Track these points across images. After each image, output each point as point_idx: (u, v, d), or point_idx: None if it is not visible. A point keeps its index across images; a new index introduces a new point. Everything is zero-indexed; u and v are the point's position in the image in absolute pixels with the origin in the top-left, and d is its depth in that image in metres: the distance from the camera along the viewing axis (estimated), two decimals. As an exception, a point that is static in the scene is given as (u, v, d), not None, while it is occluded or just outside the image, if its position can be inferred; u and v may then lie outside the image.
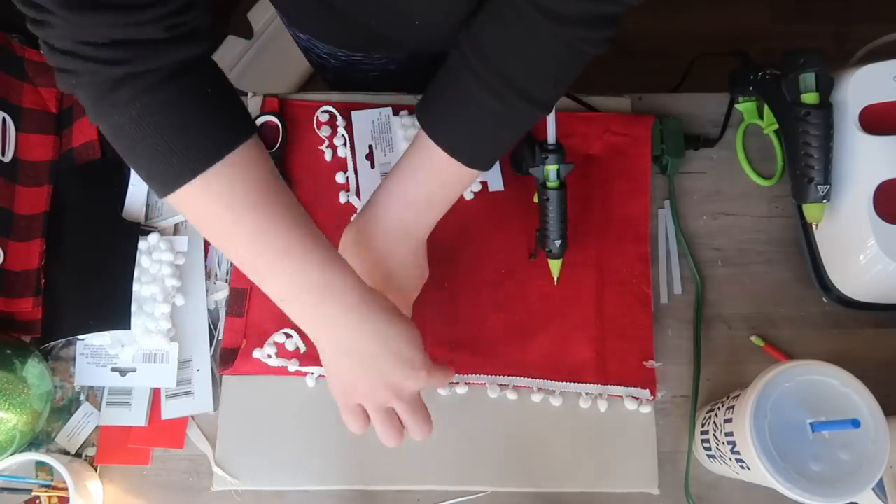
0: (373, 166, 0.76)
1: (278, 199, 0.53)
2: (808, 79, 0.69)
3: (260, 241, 0.52)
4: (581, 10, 0.53)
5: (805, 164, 0.69)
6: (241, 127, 0.52)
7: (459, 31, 0.58)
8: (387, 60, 0.81)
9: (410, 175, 0.61)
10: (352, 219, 0.65)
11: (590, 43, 0.55)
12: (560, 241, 0.69)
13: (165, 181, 0.51)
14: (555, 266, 0.72)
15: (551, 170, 0.68)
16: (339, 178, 0.75)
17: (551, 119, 0.67)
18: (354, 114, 0.77)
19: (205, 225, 0.54)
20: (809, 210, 0.71)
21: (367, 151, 0.76)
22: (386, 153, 0.76)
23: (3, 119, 0.73)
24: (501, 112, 0.57)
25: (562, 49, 0.55)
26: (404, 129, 0.76)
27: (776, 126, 0.75)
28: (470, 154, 0.59)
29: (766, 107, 0.75)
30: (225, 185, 0.51)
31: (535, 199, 0.71)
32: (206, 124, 0.50)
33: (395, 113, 0.77)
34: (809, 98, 0.69)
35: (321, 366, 0.69)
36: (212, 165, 0.50)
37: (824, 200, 0.69)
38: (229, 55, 1.49)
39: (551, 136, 0.68)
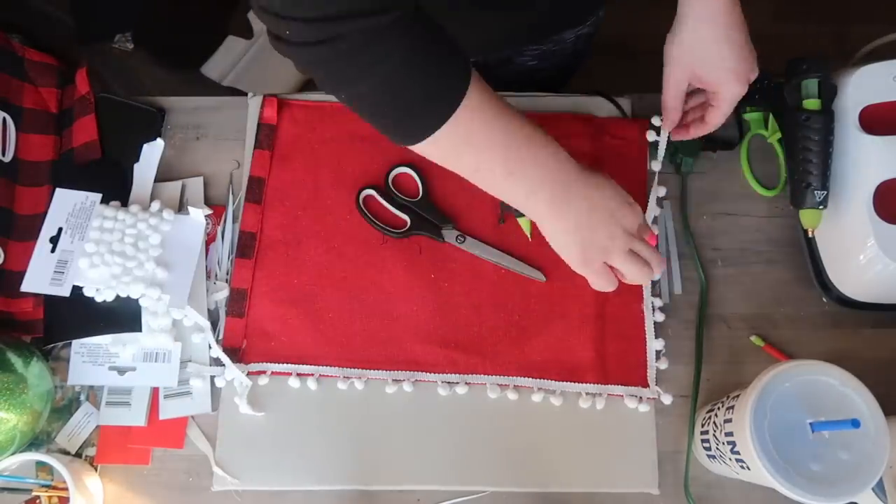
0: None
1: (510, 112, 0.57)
2: (811, 85, 0.69)
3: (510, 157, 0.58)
4: None
5: (803, 168, 0.69)
6: (465, 62, 0.54)
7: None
8: None
9: None
10: None
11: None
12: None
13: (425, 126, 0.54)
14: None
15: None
16: None
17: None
18: None
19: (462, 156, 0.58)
20: (805, 216, 0.70)
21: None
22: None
23: (4, 119, 0.74)
24: None
25: None
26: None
27: (780, 135, 0.75)
28: None
29: (770, 116, 0.75)
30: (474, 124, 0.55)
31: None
32: (447, 65, 0.53)
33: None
34: (811, 104, 0.69)
35: (320, 365, 0.70)
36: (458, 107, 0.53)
37: (821, 207, 0.69)
38: (229, 55, 1.49)
39: None
